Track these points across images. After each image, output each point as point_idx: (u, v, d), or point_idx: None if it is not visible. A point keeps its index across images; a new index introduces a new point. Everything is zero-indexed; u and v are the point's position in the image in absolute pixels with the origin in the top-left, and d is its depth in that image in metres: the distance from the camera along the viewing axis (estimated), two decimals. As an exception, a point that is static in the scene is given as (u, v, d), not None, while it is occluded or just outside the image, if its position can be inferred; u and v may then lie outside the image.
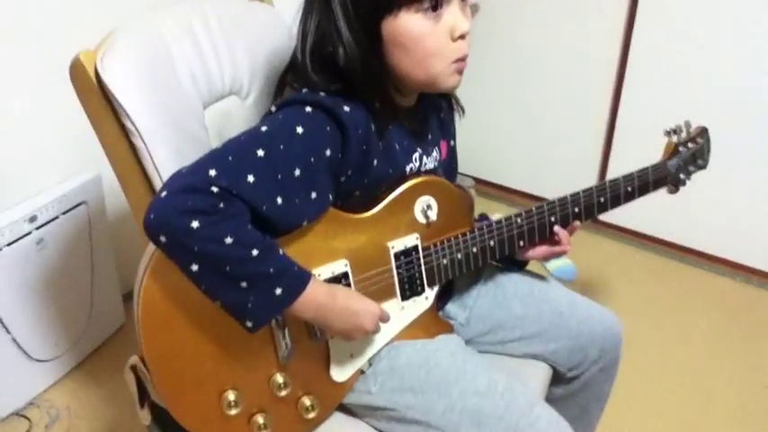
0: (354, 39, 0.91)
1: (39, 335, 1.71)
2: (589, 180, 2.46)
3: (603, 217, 2.42)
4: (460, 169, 2.70)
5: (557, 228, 1.14)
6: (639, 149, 2.22)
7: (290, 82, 1.02)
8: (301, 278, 0.88)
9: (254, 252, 0.82)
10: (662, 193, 1.27)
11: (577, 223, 1.17)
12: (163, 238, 0.80)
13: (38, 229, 1.63)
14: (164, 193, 0.80)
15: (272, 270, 0.85)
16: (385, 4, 0.90)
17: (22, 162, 1.65)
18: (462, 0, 0.94)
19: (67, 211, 1.69)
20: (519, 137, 2.59)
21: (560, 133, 2.48)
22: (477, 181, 2.75)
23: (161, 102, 0.99)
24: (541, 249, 1.17)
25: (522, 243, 1.13)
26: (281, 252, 0.88)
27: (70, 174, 1.71)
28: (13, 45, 1.56)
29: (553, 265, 2.27)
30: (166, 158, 0.98)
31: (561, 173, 2.54)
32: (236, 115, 1.16)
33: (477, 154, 2.73)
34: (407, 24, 0.91)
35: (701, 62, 2.06)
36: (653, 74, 2.16)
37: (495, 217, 2.39)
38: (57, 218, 1.67)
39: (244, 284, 0.83)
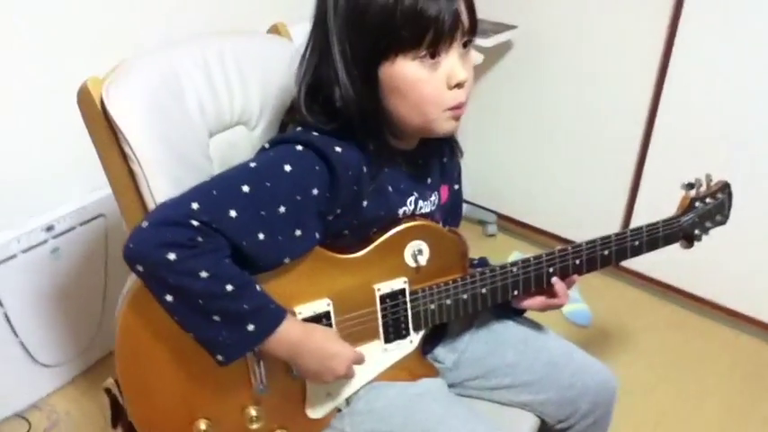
0: (351, 82, 0.92)
1: (47, 340, 1.75)
2: (614, 223, 2.45)
3: (627, 264, 2.42)
4: (485, 203, 2.72)
5: (554, 279, 1.13)
6: (666, 194, 2.20)
7: (288, 120, 1.04)
8: (276, 316, 0.89)
9: (229, 288, 0.84)
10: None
11: (576, 277, 1.16)
12: (140, 268, 0.82)
13: (54, 238, 1.67)
14: (145, 224, 0.82)
15: (245, 306, 0.86)
16: (382, 50, 0.91)
17: (44, 174, 1.69)
18: (463, 47, 0.95)
19: (85, 223, 1.73)
20: (545, 175, 2.57)
21: (587, 175, 2.45)
22: (500, 216, 2.74)
23: (163, 131, 1.01)
24: (538, 300, 1.16)
25: (516, 292, 1.12)
26: (258, 289, 0.89)
27: (92, 187, 1.76)
28: (38, 58, 1.61)
29: (567, 308, 2.24)
30: (163, 186, 1.00)
31: (586, 215, 2.51)
32: (242, 146, 1.18)
33: (501, 190, 2.71)
34: (404, 70, 0.91)
35: (733, 110, 2.02)
36: (684, 122, 2.12)
37: (512, 257, 2.39)
38: (74, 228, 1.71)
39: (216, 318, 0.85)
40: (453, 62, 0.93)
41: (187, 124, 1.06)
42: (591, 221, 2.50)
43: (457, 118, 0.98)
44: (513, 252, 2.50)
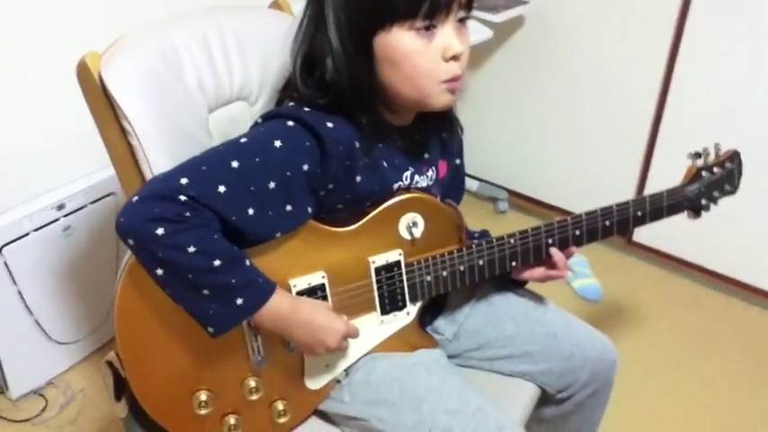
0: (345, 51, 0.93)
1: (61, 318, 1.78)
2: (626, 198, 2.41)
3: (640, 239, 2.40)
4: (495, 179, 2.71)
5: (553, 250, 1.13)
6: (679, 168, 2.18)
7: (283, 96, 1.04)
8: (264, 290, 0.91)
9: (217, 262, 0.85)
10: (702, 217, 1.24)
11: (574, 248, 1.16)
12: (131, 241, 0.84)
13: (65, 216, 1.69)
14: (135, 198, 0.84)
15: (233, 281, 0.87)
16: (378, 20, 0.91)
17: (54, 152, 1.71)
18: (459, 21, 0.95)
19: (96, 201, 1.75)
20: (556, 152, 2.56)
21: (599, 150, 2.43)
22: (511, 193, 2.73)
23: (161, 106, 1.02)
24: (537, 272, 1.16)
25: (514, 264, 1.12)
26: (247, 263, 0.90)
27: (101, 165, 1.78)
28: (46, 38, 1.62)
29: (578, 283, 2.23)
30: (162, 160, 1.01)
31: (598, 190, 2.49)
32: (242, 120, 1.19)
33: (512, 166, 2.70)
34: (399, 41, 0.92)
35: (746, 85, 2.00)
36: (696, 96, 2.10)
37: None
38: (84, 207, 1.73)
39: (206, 292, 0.87)
40: (449, 35, 0.93)
41: (186, 99, 1.07)
42: (603, 196, 2.44)
43: (453, 91, 0.97)
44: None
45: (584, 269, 2.28)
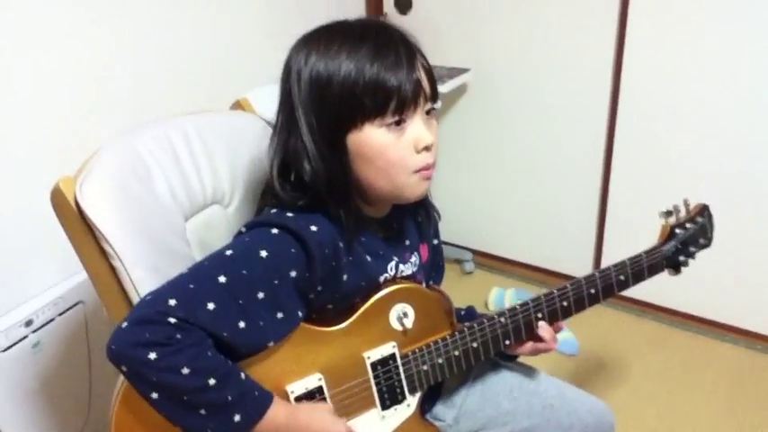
0: (319, 152, 0.94)
1: (35, 437, 1.71)
2: (587, 248, 2.48)
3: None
4: (459, 242, 2.74)
5: (541, 323, 1.14)
6: (634, 214, 2.26)
7: (263, 204, 1.05)
8: (261, 403, 0.90)
9: (212, 381, 0.85)
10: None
11: (563, 323, 1.17)
12: (123, 368, 0.83)
13: (34, 332, 1.64)
14: (124, 324, 0.83)
15: (230, 398, 0.86)
16: (350, 119, 0.93)
17: (17, 265, 1.67)
18: (427, 113, 0.97)
19: (64, 312, 1.70)
20: (515, 208, 2.61)
21: (555, 204, 2.49)
22: (476, 253, 2.76)
23: (139, 222, 1.02)
24: (527, 347, 1.17)
25: (507, 342, 1.12)
26: (242, 376, 0.89)
27: (66, 274, 1.74)
28: (8, 146, 1.60)
29: (553, 338, 2.25)
30: (144, 277, 1.00)
31: (559, 242, 2.54)
32: (218, 224, 1.18)
33: (473, 227, 2.74)
34: (371, 137, 0.94)
35: (687, 131, 2.09)
36: (642, 144, 2.19)
37: (493, 293, 2.38)
38: (53, 320, 1.68)
39: (202, 412, 0.86)
40: (419, 127, 0.95)
41: (161, 211, 1.07)
42: (565, 248, 2.53)
43: (426, 179, 0.99)
44: (493, 288, 2.52)
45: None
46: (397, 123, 0.94)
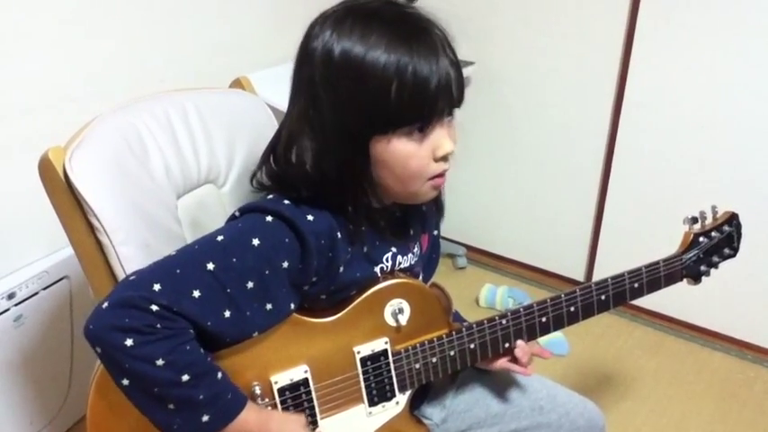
0: (339, 152, 0.89)
1: (14, 412, 1.68)
2: (581, 249, 2.47)
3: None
4: (453, 236, 2.71)
5: (519, 343, 1.08)
6: (630, 216, 2.24)
7: (260, 186, 0.99)
8: (232, 407, 0.87)
9: (185, 377, 0.82)
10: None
11: (538, 348, 1.14)
12: (98, 349, 0.81)
13: (16, 305, 1.61)
14: (105, 304, 0.80)
15: (201, 397, 0.83)
16: (379, 126, 0.88)
17: (2, 238, 1.64)
18: (449, 115, 0.93)
19: (48, 287, 1.67)
20: (511, 205, 2.59)
21: (552, 202, 2.47)
22: (469, 248, 2.74)
23: (129, 198, 0.99)
24: (500, 362, 1.11)
25: (507, 345, 1.08)
26: (218, 376, 0.86)
27: (53, 248, 1.70)
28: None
29: (544, 339, 2.23)
30: (132, 252, 0.98)
31: (554, 241, 2.53)
32: (211, 204, 1.16)
33: (468, 222, 2.72)
34: (395, 146, 0.89)
35: (692, 130, 2.06)
36: (643, 145, 2.16)
37: (484, 289, 2.36)
38: (37, 293, 1.65)
39: (171, 406, 0.83)
40: (441, 135, 0.91)
41: (153, 187, 1.04)
42: (560, 249, 2.51)
43: (437, 187, 0.97)
44: (485, 284, 2.49)
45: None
46: (421, 130, 0.89)
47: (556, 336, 2.23)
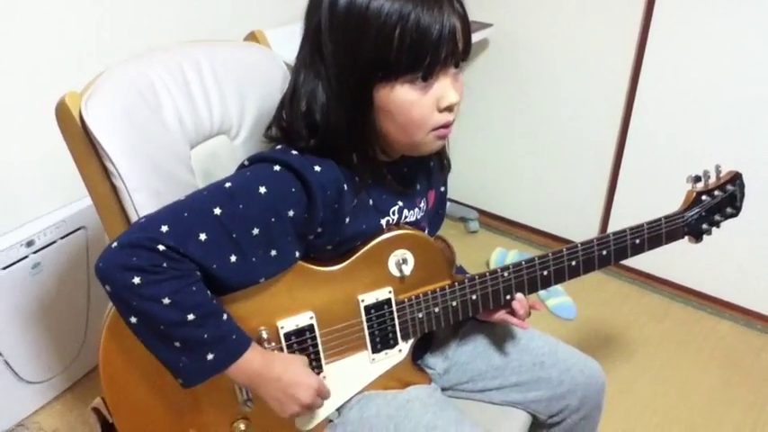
0: (343, 100, 0.91)
1: (31, 357, 1.73)
2: (594, 216, 2.47)
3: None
4: (465, 200, 2.73)
5: (518, 295, 1.10)
6: (644, 185, 2.23)
7: (270, 136, 1.01)
8: (236, 347, 0.90)
9: (190, 316, 0.84)
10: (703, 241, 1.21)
11: (539, 305, 1.15)
12: (108, 287, 0.83)
13: (35, 253, 1.65)
14: (114, 244, 0.82)
15: (206, 336, 0.86)
16: (382, 74, 0.89)
17: (22, 187, 1.67)
18: (455, 67, 0.93)
19: (66, 236, 1.71)
20: (525, 171, 2.59)
21: (566, 169, 2.47)
22: (482, 213, 2.75)
23: (143, 145, 1.00)
24: (498, 314, 1.13)
25: (508, 297, 1.10)
26: (223, 317, 0.88)
27: (71, 199, 1.74)
28: (15, 71, 1.59)
29: (552, 302, 2.25)
30: (145, 199, 0.99)
31: (567, 208, 2.53)
32: (224, 155, 1.17)
33: (482, 186, 2.73)
34: (398, 94, 0.90)
35: (706, 105, 2.05)
36: (659, 115, 2.15)
37: (495, 253, 2.38)
38: (54, 242, 1.69)
39: (177, 344, 0.85)
40: (445, 85, 0.91)
41: (166, 137, 1.06)
42: (571, 215, 2.52)
43: (442, 137, 0.97)
44: (496, 248, 2.51)
45: (557, 288, 2.30)
46: (424, 78, 0.90)
47: (563, 300, 2.26)
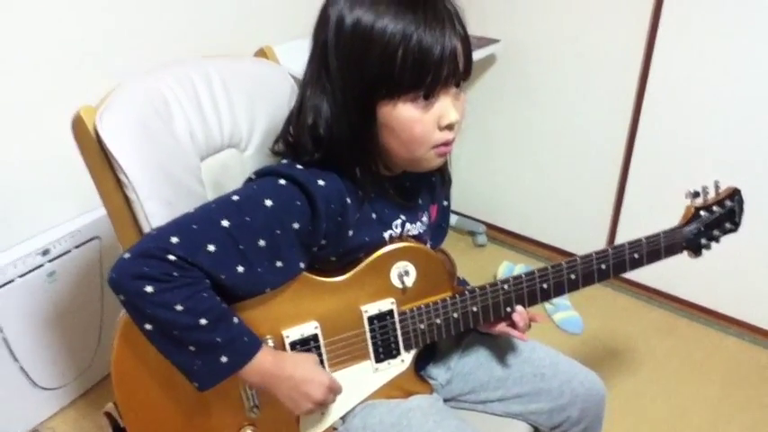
0: (348, 116, 0.94)
1: (46, 364, 1.77)
2: (601, 231, 2.48)
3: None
4: (473, 214, 2.74)
5: (518, 308, 1.12)
6: (651, 200, 2.25)
7: (276, 150, 1.05)
8: (248, 349, 0.93)
9: (203, 321, 0.87)
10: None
11: (538, 317, 1.17)
12: (121, 297, 0.87)
13: (50, 261, 1.69)
14: (126, 255, 0.86)
15: (218, 339, 0.89)
16: (385, 91, 0.92)
17: (38, 197, 1.71)
18: (456, 87, 0.96)
19: (80, 245, 1.75)
20: (533, 185, 2.60)
21: (573, 184, 2.49)
22: (489, 227, 2.77)
23: (155, 157, 1.04)
24: (499, 326, 1.15)
25: (508, 309, 1.12)
26: (234, 320, 0.92)
27: (85, 209, 1.78)
28: (32, 82, 1.63)
29: (559, 316, 2.27)
30: (157, 209, 1.03)
31: (574, 223, 2.54)
32: (233, 168, 1.20)
33: (489, 200, 2.75)
34: (400, 111, 0.93)
35: (713, 119, 2.06)
36: (665, 130, 2.16)
37: (502, 267, 2.39)
38: (69, 251, 1.73)
39: (191, 348, 0.89)
40: (446, 104, 0.94)
41: (177, 149, 1.09)
42: (579, 229, 2.53)
43: (442, 155, 1.00)
44: (503, 262, 2.53)
45: (564, 302, 2.32)
46: (426, 97, 0.93)
47: (570, 314, 2.27)
